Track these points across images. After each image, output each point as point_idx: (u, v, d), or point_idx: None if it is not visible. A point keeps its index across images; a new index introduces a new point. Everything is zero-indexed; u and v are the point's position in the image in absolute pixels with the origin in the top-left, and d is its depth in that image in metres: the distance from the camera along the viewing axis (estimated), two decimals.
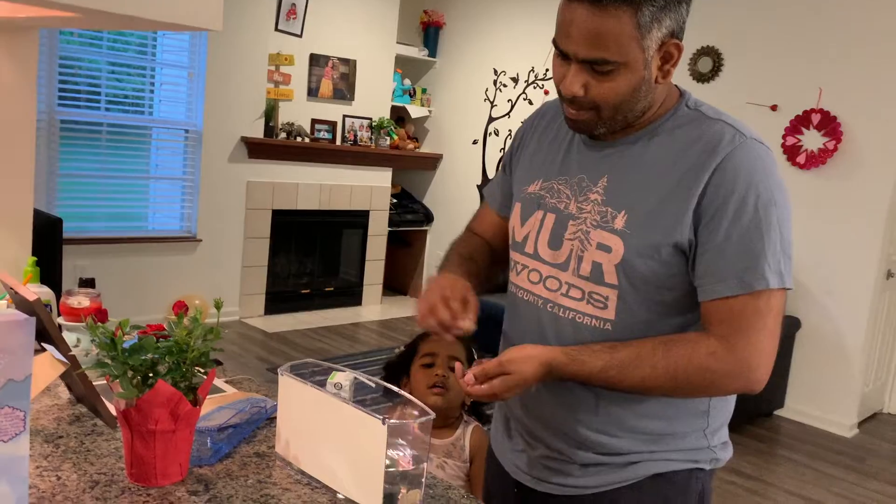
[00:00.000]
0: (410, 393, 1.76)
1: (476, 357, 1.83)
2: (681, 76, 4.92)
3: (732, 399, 1.28)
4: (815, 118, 4.41)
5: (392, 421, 1.09)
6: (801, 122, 4.46)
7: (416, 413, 1.15)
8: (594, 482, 1.24)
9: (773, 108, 4.57)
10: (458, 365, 1.21)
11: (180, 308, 1.19)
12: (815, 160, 4.41)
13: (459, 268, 1.34)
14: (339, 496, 1.15)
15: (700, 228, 1.11)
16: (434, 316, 1.19)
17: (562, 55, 1.12)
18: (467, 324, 1.18)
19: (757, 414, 4.46)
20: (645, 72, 1.09)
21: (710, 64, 4.83)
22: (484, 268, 1.40)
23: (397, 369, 1.85)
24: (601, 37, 1.05)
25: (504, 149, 6.11)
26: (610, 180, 1.18)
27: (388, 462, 1.09)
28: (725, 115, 1.18)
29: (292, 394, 1.24)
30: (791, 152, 4.50)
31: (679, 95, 1.21)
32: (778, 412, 4.61)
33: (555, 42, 1.11)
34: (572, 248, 1.19)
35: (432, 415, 1.13)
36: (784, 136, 4.51)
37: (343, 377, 1.38)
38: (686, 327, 1.19)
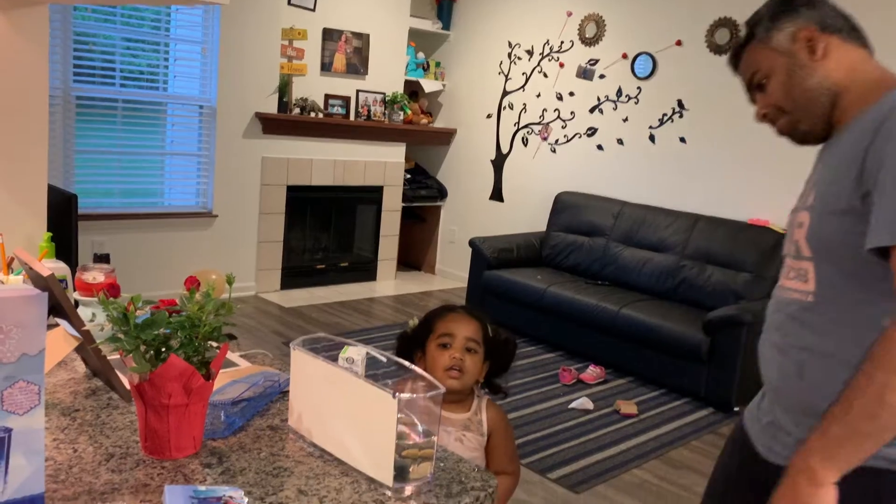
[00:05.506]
0: (425, 368, 1.76)
1: (491, 334, 1.82)
2: (697, 48, 4.85)
3: None
4: None
5: (403, 395, 1.10)
6: None
7: (426, 387, 1.16)
8: None
9: None
10: None
11: (192, 283, 1.20)
12: None
13: None
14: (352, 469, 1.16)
15: (871, 186, 1.11)
16: None
17: (749, 97, 1.38)
18: None
19: None
20: (785, 58, 1.27)
21: (727, 36, 4.74)
22: None
23: (411, 343, 1.85)
24: (748, 66, 1.35)
25: (518, 123, 6.06)
26: (818, 171, 1.30)
27: (399, 435, 1.10)
28: None
29: (304, 368, 1.25)
30: None
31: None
32: None
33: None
34: (794, 235, 1.31)
35: (442, 389, 1.14)
36: None
37: (355, 352, 1.39)
38: None
